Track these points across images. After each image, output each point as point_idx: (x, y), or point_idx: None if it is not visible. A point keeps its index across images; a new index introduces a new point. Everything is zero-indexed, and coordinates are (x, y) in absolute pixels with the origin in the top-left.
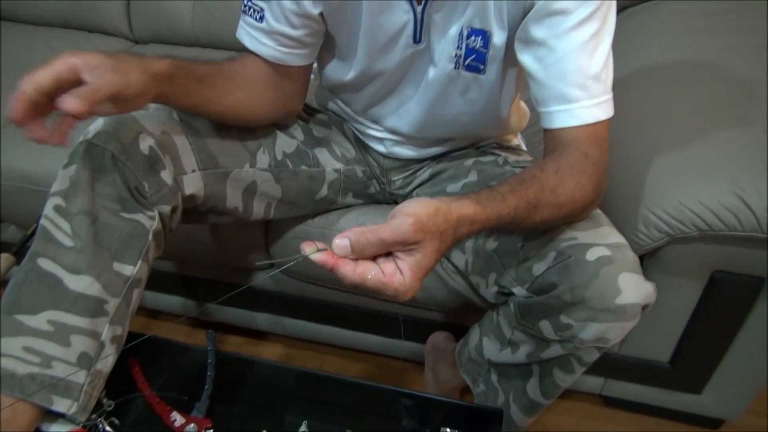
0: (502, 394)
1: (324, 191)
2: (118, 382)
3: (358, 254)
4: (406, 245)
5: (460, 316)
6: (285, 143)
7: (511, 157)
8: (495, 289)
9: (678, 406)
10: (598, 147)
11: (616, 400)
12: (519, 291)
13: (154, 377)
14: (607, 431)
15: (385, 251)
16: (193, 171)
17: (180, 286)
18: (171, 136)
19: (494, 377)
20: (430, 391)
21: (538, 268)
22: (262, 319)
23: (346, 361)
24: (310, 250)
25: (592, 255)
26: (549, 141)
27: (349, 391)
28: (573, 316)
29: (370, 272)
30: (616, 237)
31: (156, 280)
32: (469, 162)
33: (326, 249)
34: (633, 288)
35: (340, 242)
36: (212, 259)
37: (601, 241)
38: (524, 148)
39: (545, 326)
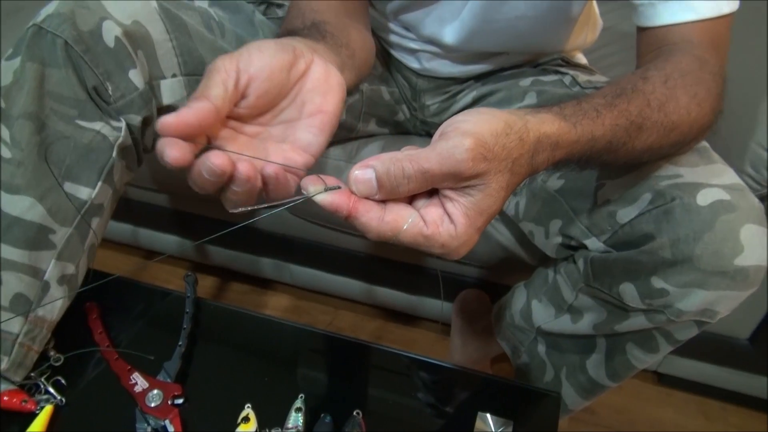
0: (552, 369)
1: (341, 115)
2: (72, 332)
3: (388, 193)
4: (461, 180)
5: (497, 273)
6: None
7: (582, 77)
8: (558, 240)
9: (749, 390)
10: (716, 52)
11: (673, 379)
12: (593, 244)
13: (116, 328)
14: (662, 413)
15: (429, 188)
16: (174, 76)
17: (176, 224)
18: (146, 28)
19: (542, 348)
20: (456, 359)
21: (625, 214)
22: (267, 266)
23: (360, 318)
24: (316, 189)
25: (704, 198)
26: (647, 45)
27: (360, 357)
28: (671, 279)
29: (405, 220)
30: (732, 177)
31: (149, 216)
32: (525, 81)
33: (339, 188)
34: (758, 245)
35: (362, 175)
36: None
37: (714, 180)
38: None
39: (628, 291)
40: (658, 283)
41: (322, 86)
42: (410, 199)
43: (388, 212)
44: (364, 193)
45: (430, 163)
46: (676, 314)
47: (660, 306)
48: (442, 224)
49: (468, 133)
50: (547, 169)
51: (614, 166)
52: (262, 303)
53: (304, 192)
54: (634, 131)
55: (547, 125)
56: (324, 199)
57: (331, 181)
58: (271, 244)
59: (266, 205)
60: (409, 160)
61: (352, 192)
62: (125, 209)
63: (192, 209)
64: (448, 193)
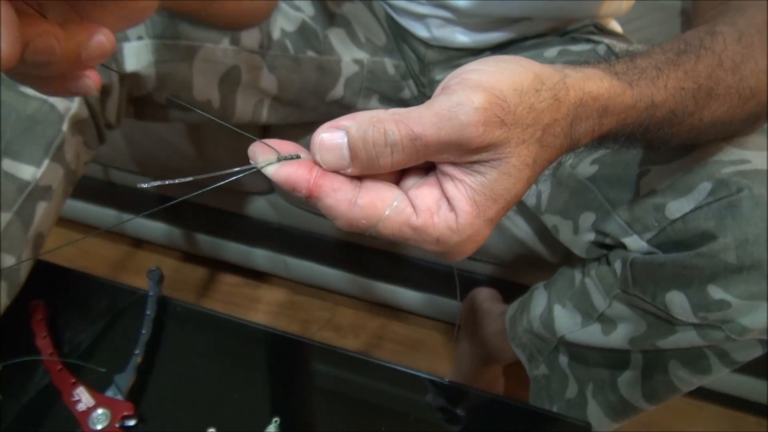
0: (575, 384)
1: (339, 90)
2: (14, 335)
3: (365, 166)
4: (467, 151)
5: (512, 271)
6: (285, 17)
7: (619, 45)
8: (590, 237)
9: None
10: None
11: (705, 391)
12: (634, 243)
13: (67, 332)
14: (692, 429)
15: (422, 161)
16: (140, 38)
17: (164, 210)
18: None
19: (563, 359)
20: (462, 366)
21: (677, 207)
22: (261, 258)
23: (362, 316)
24: (266, 158)
25: None
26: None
27: (351, 372)
28: (734, 289)
29: (387, 205)
30: None
31: (135, 201)
32: (551, 52)
33: (299, 157)
34: None
35: (329, 139)
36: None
37: None
38: None
39: (677, 301)
40: (716, 293)
41: None
42: (397, 177)
43: (364, 193)
44: (332, 164)
45: (423, 126)
46: (738, 331)
47: (717, 321)
48: (438, 212)
49: (480, 86)
50: (589, 144)
51: (669, 145)
52: (255, 297)
53: (252, 162)
54: (703, 98)
55: (593, 83)
56: (276, 172)
57: (288, 148)
58: (265, 234)
59: (188, 179)
60: (395, 121)
61: (317, 163)
62: (108, 194)
63: (178, 195)
64: (449, 169)
